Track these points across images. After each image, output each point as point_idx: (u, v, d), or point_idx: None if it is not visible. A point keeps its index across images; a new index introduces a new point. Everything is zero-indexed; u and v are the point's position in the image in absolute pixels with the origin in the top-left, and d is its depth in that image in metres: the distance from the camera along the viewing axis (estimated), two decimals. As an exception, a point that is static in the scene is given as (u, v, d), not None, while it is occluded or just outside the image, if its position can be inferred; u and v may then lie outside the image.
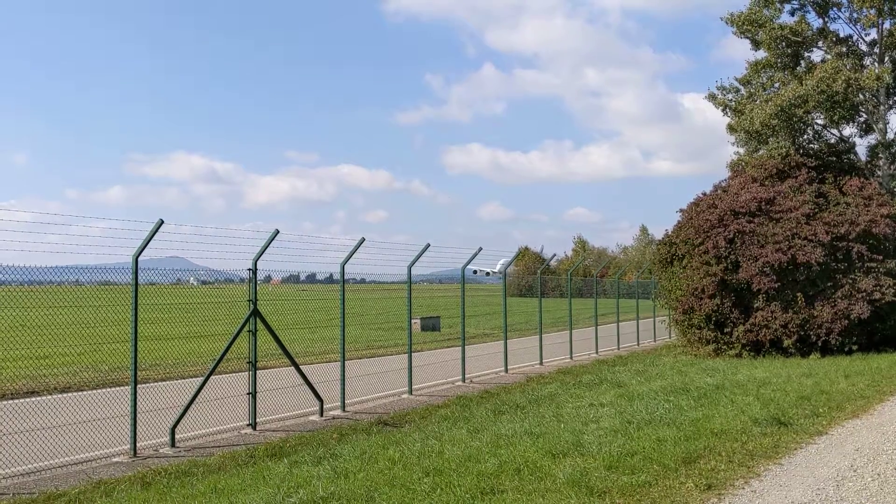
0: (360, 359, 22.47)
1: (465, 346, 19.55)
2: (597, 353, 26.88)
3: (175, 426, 11.63)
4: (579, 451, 9.92)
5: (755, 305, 22.97)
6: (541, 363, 22.93)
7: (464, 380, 18.88)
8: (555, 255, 42.29)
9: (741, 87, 29.93)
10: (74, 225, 11.59)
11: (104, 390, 16.08)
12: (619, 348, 28.67)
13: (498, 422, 12.58)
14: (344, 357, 15.06)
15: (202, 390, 12.02)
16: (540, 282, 25.38)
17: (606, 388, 16.46)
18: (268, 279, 17.12)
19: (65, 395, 15.73)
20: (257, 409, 12.91)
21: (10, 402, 14.87)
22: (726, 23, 28.97)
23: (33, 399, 15.22)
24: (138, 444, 11.02)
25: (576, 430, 11.42)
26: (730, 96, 29.87)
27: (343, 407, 14.68)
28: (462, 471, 8.85)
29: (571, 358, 24.78)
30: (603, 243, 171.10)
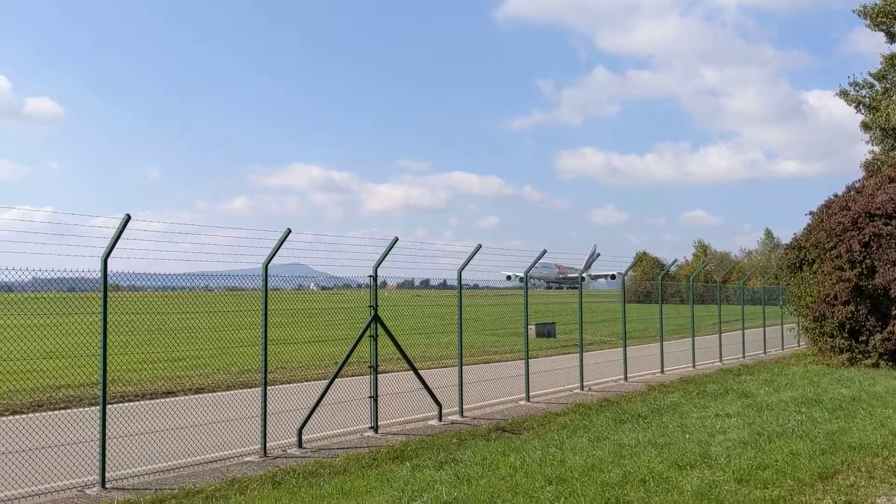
0: (476, 364, 22.54)
1: (583, 353, 19.29)
2: (720, 361, 25.94)
3: (302, 427, 12.02)
4: (707, 463, 9.60)
5: (893, 313, 21.61)
6: (661, 371, 22.35)
7: (582, 387, 18.63)
8: (675, 260, 41.13)
9: (875, 83, 28.28)
10: (203, 234, 12.16)
11: (234, 392, 16.82)
12: (744, 357, 27.57)
13: (619, 431, 12.34)
14: (461, 362, 15.16)
15: (326, 393, 12.36)
16: (661, 287, 24.75)
17: (732, 399, 15.86)
18: (384, 285, 17.44)
19: (198, 395, 16.56)
20: (378, 412, 13.18)
21: (150, 401, 15.78)
22: (858, 15, 27.48)
23: (170, 399, 16.09)
24: (268, 445, 11.45)
25: (702, 441, 11.06)
26: (863, 92, 28.29)
27: (461, 412, 14.77)
28: (585, 480, 8.73)
29: (694, 366, 24.02)
30: (724, 247, 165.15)
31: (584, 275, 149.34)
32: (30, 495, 9.09)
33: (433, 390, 14.24)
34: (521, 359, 17.86)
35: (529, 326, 17.93)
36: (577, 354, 19.45)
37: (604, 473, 9.06)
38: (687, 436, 11.53)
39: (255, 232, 11.98)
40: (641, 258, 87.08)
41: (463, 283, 15.16)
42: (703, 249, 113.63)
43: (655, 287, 26.91)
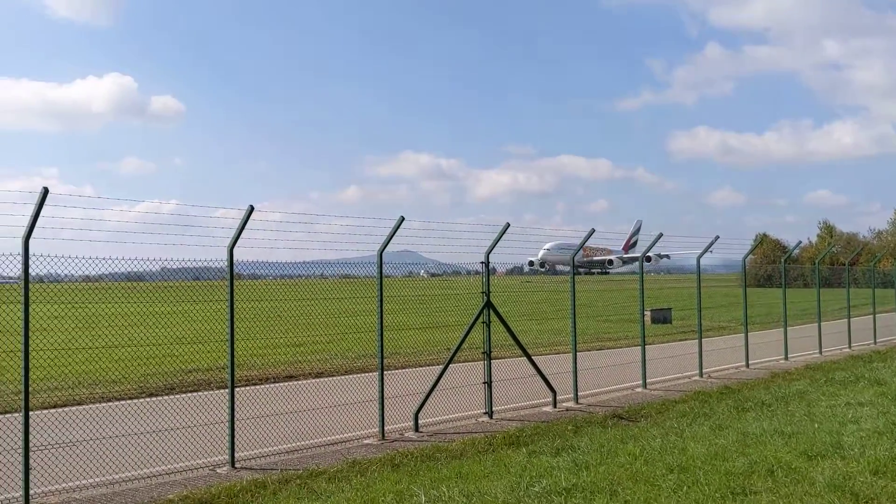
0: (590, 351, 22.24)
1: (701, 339, 18.71)
2: (849, 347, 24.62)
3: (418, 412, 12.20)
4: (839, 454, 9.14)
5: None
6: (785, 358, 21.41)
7: (701, 374, 18.08)
8: (800, 242, 39.21)
9: None
10: (317, 223, 12.48)
11: (352, 376, 17.25)
12: (875, 342, 26.06)
13: (742, 419, 11.92)
14: (575, 349, 14.99)
15: (440, 379, 12.50)
16: (784, 271, 23.69)
17: (864, 387, 15.02)
18: (493, 271, 17.49)
19: (318, 380, 17.08)
20: (492, 398, 13.22)
21: (273, 385, 16.39)
22: None
23: (292, 383, 16.66)
24: (385, 428, 11.69)
25: (832, 430, 10.54)
26: None
27: (576, 399, 14.62)
28: (708, 469, 8.48)
29: (820, 353, 22.89)
30: (851, 228, 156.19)
31: (612, 258, 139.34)
32: (165, 473, 9.62)
33: (547, 377, 14.16)
34: (635, 345, 17.52)
35: (644, 312, 17.52)
36: (695, 341, 18.88)
37: (728, 462, 8.77)
38: (816, 425, 11.01)
39: (366, 220, 12.22)
40: (762, 241, 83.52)
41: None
42: (828, 231, 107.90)
43: (777, 270, 25.77)
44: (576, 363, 14.88)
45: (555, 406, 14.09)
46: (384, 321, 11.91)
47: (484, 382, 13.27)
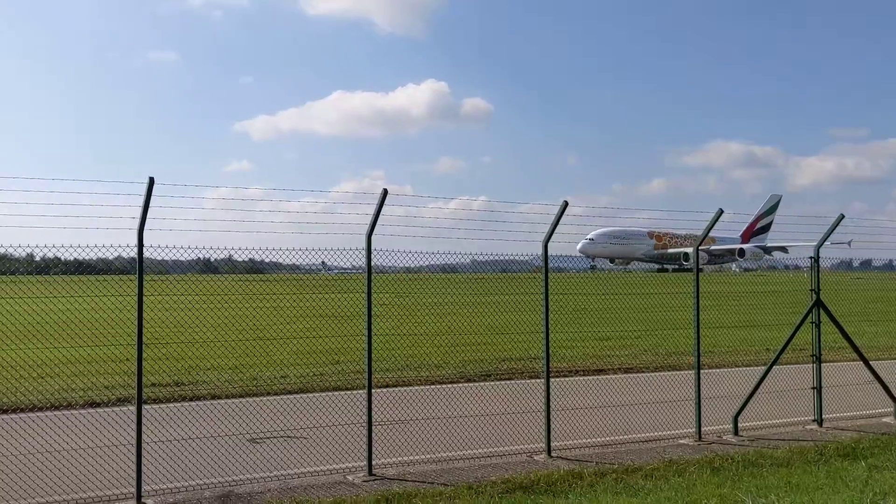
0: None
1: None
2: None
3: (738, 415, 11.59)
4: None
5: None
6: None
7: None
8: None
9: None
10: (618, 217, 12.47)
11: (662, 374, 16.85)
12: None
13: None
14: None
15: (763, 381, 11.75)
16: None
17: None
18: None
19: (627, 375, 16.94)
20: (822, 405, 12.16)
21: (582, 378, 16.58)
22: None
23: (600, 377, 16.72)
24: (702, 429, 11.27)
25: None
26: None
27: (925, 412, 12.91)
28: None
29: None
30: None
31: (686, 250, 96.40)
32: (485, 456, 10.17)
33: (888, 385, 12.69)
34: None
35: None
36: None
37: None
38: None
39: (667, 213, 11.98)
40: None
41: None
42: None
43: None
44: (924, 371, 13.14)
45: (898, 418, 12.58)
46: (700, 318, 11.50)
47: (812, 388, 12.24)
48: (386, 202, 9.32)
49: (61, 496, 8.17)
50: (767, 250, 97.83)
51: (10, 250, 9.73)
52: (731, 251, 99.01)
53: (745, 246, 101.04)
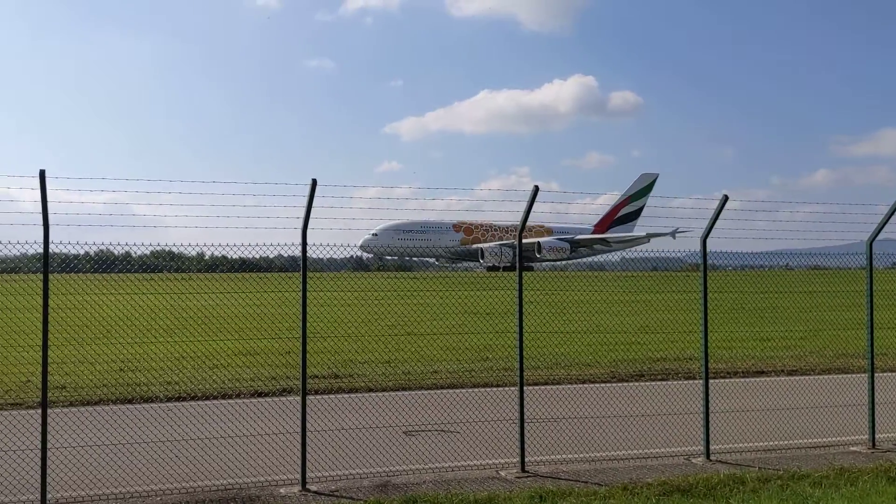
0: None
1: None
2: None
3: (917, 422, 10.74)
4: None
5: None
6: None
7: None
8: None
9: None
10: (779, 211, 11.83)
11: (830, 376, 15.83)
12: None
13: None
14: None
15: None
16: None
17: None
18: None
19: (791, 378, 16.03)
20: None
21: (742, 380, 15.85)
22: None
23: (761, 379, 15.93)
24: (876, 437, 10.52)
25: None
26: None
27: None
28: None
29: None
30: None
31: (541, 240, 75.34)
32: (640, 457, 9.95)
33: None
34: None
35: None
36: None
37: None
38: None
39: (839, 206, 11.17)
40: None
41: None
42: None
43: None
44: None
45: None
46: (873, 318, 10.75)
47: None
48: (536, 199, 9.30)
49: (234, 479, 8.73)
50: (576, 244, 78.77)
51: (182, 249, 10.49)
52: (584, 240, 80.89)
53: (542, 239, 79.83)
